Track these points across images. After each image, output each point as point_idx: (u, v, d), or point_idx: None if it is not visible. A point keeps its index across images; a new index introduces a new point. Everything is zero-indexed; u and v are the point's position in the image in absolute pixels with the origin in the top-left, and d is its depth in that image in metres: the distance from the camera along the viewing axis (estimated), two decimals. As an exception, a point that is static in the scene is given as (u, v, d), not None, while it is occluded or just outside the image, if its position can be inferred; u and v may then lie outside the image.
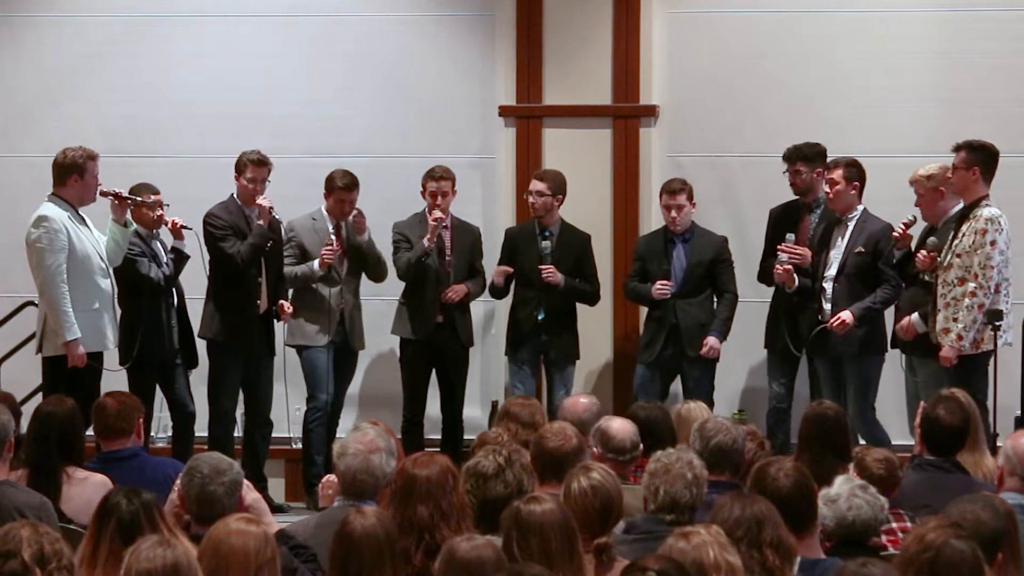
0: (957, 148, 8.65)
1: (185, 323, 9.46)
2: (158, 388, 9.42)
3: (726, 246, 9.74)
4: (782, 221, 9.57)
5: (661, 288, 9.57)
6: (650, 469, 5.45)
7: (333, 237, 9.77)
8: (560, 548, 4.65)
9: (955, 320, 8.50)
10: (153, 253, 9.30)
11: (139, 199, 9.06)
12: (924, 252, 8.73)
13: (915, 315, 8.85)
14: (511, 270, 9.76)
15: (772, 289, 9.59)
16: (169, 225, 9.29)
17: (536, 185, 9.77)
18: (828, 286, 9.21)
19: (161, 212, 9.27)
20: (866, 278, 9.18)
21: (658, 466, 5.42)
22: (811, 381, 9.49)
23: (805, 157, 9.45)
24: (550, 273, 9.64)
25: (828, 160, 9.36)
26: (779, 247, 9.37)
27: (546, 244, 9.74)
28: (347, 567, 4.67)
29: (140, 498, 4.89)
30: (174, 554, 4.20)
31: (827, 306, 9.19)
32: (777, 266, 9.32)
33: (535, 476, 5.90)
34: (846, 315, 9.07)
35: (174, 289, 9.37)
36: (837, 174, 9.22)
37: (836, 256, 9.25)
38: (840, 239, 9.25)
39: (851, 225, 9.24)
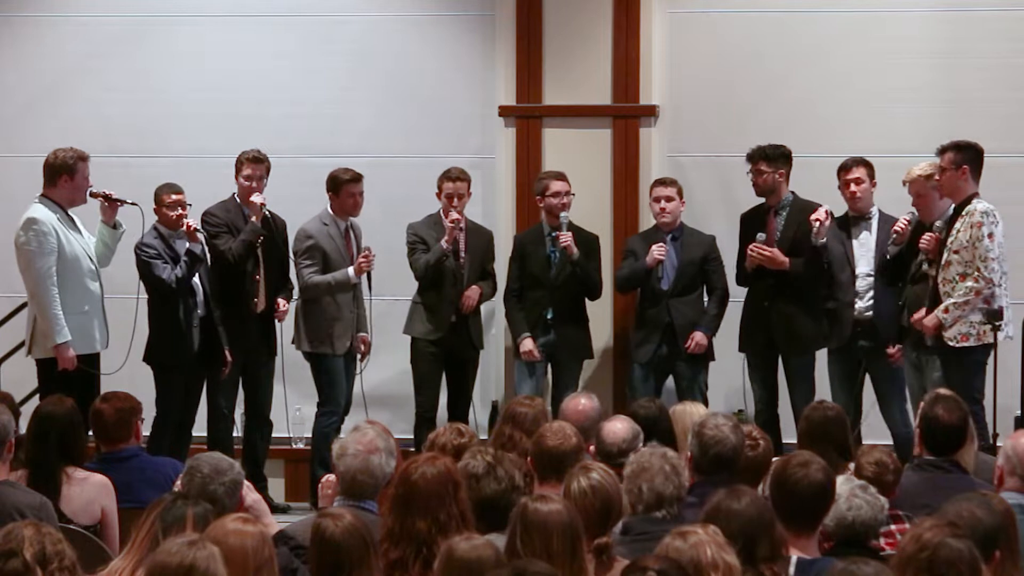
0: (943, 150, 8.64)
1: (211, 327, 9.39)
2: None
3: (715, 244, 9.79)
4: (751, 224, 9.59)
5: (659, 251, 9.56)
6: (628, 473, 5.45)
7: (367, 248, 9.75)
8: (562, 548, 4.65)
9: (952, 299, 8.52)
10: (174, 254, 9.26)
11: (129, 201, 9.01)
12: (929, 235, 8.73)
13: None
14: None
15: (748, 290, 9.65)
16: (184, 228, 9.27)
17: (563, 185, 9.76)
18: (862, 283, 9.22)
19: (182, 212, 9.26)
20: (901, 273, 9.18)
21: (635, 467, 5.43)
22: (788, 382, 9.51)
23: (767, 157, 9.47)
24: (567, 241, 9.64)
25: (845, 160, 9.34)
26: (749, 248, 9.42)
27: (551, 246, 9.77)
28: (334, 570, 4.65)
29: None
30: (194, 556, 4.19)
31: (862, 303, 9.20)
32: (750, 254, 9.40)
33: (531, 469, 5.93)
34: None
35: (197, 291, 9.34)
36: (861, 172, 9.24)
37: (864, 253, 9.25)
38: (866, 233, 9.26)
39: (874, 222, 9.27)
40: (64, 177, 8.84)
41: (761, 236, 9.45)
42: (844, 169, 9.34)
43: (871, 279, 9.25)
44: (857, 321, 9.26)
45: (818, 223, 9.20)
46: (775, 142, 9.58)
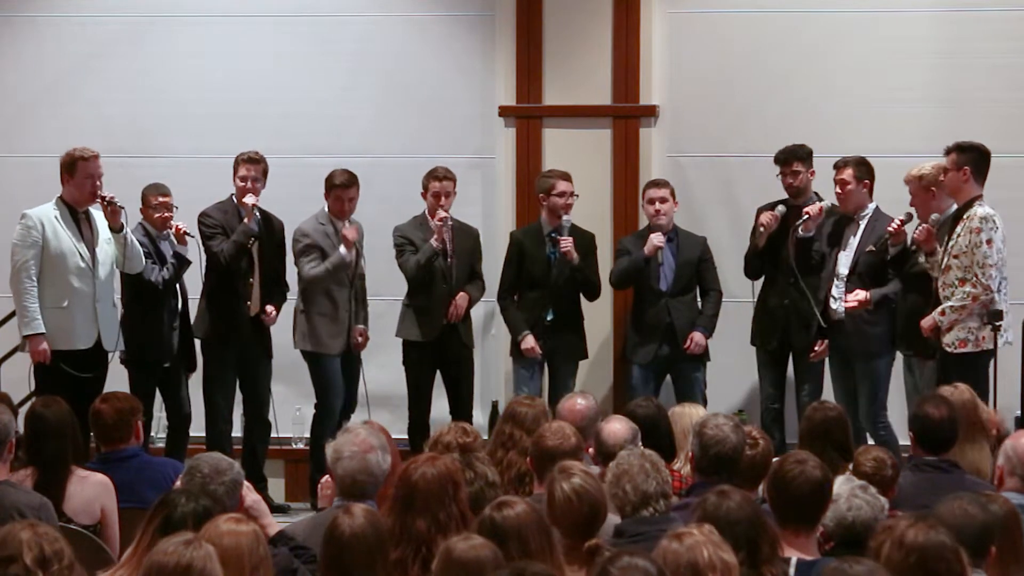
0: (948, 151, 8.65)
1: (186, 326, 9.47)
2: (158, 389, 9.45)
3: (707, 245, 9.81)
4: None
5: (658, 239, 9.56)
6: (610, 478, 5.45)
7: (348, 223, 9.73)
8: (539, 548, 4.65)
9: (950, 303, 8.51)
10: (160, 253, 9.31)
11: (118, 204, 8.96)
12: (924, 226, 8.71)
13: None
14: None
15: (760, 286, 9.64)
16: (173, 230, 9.29)
17: (568, 186, 9.73)
18: (839, 285, 9.21)
19: (169, 214, 9.29)
20: (877, 277, 9.16)
21: (616, 471, 5.43)
22: (796, 380, 9.53)
23: (799, 157, 9.47)
24: (568, 246, 9.63)
25: (837, 160, 9.33)
26: (763, 216, 9.45)
27: (550, 246, 9.76)
28: (338, 568, 4.67)
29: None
30: (191, 556, 4.20)
31: (837, 306, 9.18)
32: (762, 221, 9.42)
33: (531, 469, 5.94)
34: (863, 294, 9.04)
35: (178, 292, 9.39)
36: (847, 174, 9.21)
37: (847, 255, 9.24)
38: (852, 237, 9.25)
39: (863, 224, 9.24)
40: (65, 176, 8.88)
41: (781, 209, 9.44)
42: (835, 168, 9.32)
43: (844, 281, 9.23)
44: (834, 322, 9.23)
45: (807, 215, 9.21)
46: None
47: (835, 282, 9.25)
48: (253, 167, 9.60)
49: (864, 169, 9.24)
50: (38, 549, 4.33)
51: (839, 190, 9.25)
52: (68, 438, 6.49)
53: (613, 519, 5.51)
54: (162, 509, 4.92)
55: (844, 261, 9.26)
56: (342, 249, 9.66)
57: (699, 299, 9.81)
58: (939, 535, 4.44)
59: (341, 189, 9.72)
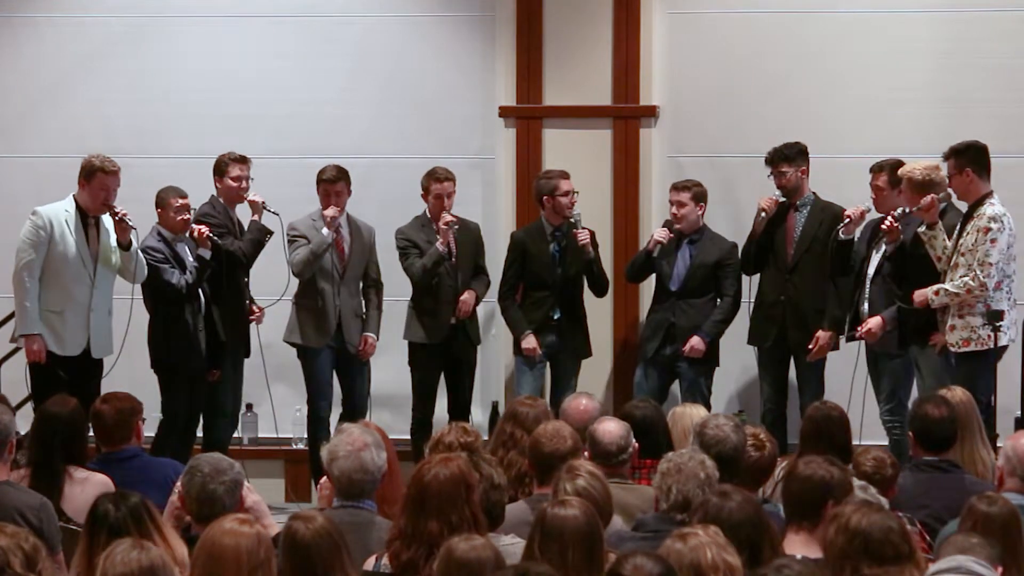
0: (945, 157, 8.65)
1: (211, 328, 9.40)
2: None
3: (734, 251, 9.73)
4: (771, 219, 9.58)
5: (659, 234, 9.58)
6: (662, 469, 5.46)
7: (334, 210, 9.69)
8: (578, 560, 4.61)
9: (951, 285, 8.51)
10: (178, 257, 9.25)
11: (130, 223, 8.92)
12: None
13: (888, 312, 8.88)
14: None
15: (757, 285, 9.66)
16: (195, 233, 9.24)
17: (570, 184, 9.73)
18: (867, 287, 9.21)
19: (187, 216, 9.25)
20: (898, 277, 9.12)
21: (670, 465, 5.43)
22: (798, 381, 9.52)
23: (786, 158, 9.47)
24: (586, 238, 9.64)
25: (874, 164, 9.24)
26: (761, 201, 9.55)
27: (554, 245, 9.78)
28: (305, 573, 4.63)
29: (128, 502, 4.92)
30: (148, 556, 4.20)
31: (863, 307, 9.15)
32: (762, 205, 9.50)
33: (530, 470, 5.94)
34: (875, 322, 9.02)
35: (202, 294, 9.34)
36: (881, 180, 9.15)
37: (875, 258, 9.22)
38: (884, 241, 9.25)
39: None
40: (81, 180, 8.90)
41: (778, 193, 9.48)
42: (871, 172, 9.25)
43: (870, 282, 9.23)
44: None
45: (848, 219, 9.22)
46: (775, 142, 9.58)
47: (866, 284, 9.23)
48: (244, 166, 9.59)
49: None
50: (22, 552, 4.32)
51: (873, 196, 9.23)
52: (57, 437, 6.48)
53: (616, 524, 5.52)
54: (97, 524, 4.89)
55: (874, 262, 9.23)
56: (324, 230, 9.63)
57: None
58: (885, 519, 4.45)
59: (327, 184, 9.69)
